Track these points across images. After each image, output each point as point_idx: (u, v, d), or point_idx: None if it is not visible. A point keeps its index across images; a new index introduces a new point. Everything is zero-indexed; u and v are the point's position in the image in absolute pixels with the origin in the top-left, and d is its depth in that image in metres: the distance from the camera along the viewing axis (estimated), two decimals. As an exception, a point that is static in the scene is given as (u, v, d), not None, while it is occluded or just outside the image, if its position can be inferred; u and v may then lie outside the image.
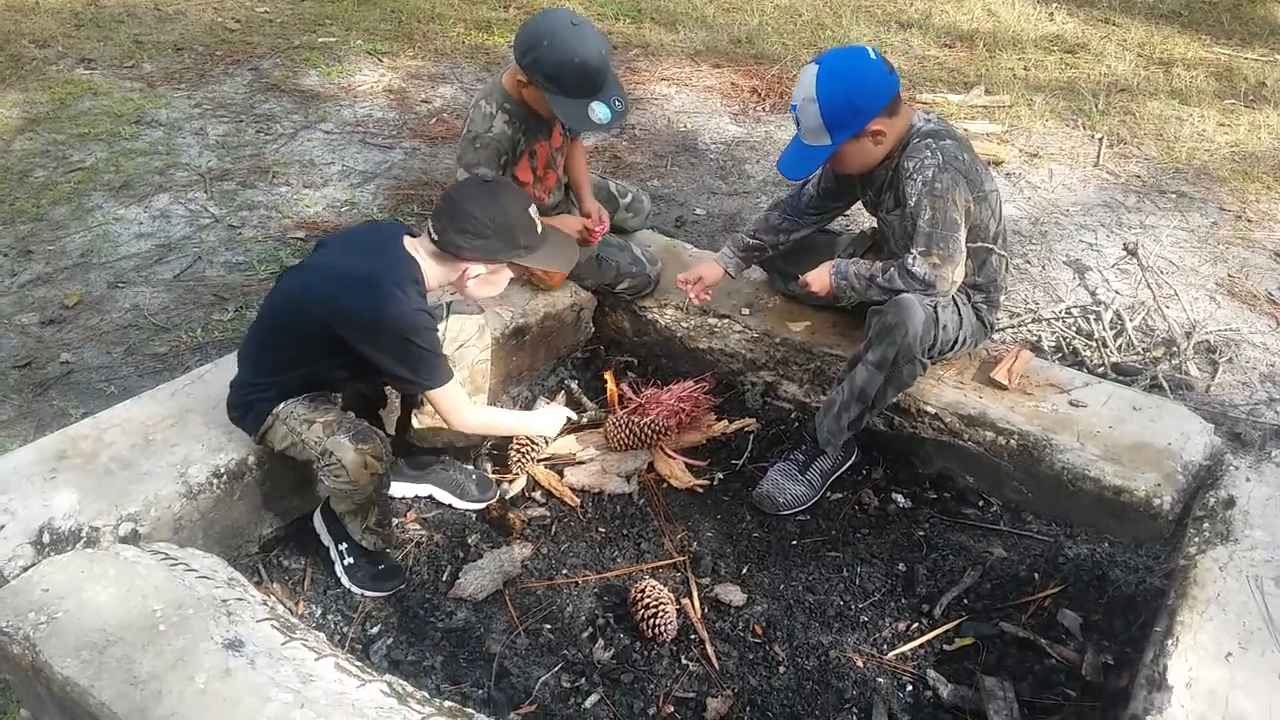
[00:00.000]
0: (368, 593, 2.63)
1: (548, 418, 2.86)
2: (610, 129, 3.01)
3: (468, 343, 2.83)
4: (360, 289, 2.34)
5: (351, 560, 2.64)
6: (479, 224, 2.39)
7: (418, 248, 2.46)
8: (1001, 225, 2.90)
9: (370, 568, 2.64)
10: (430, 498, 2.91)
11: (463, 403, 2.56)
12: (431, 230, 2.43)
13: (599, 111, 2.91)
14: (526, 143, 3.13)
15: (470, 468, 2.99)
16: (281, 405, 2.47)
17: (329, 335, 2.36)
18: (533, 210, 2.49)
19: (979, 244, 2.83)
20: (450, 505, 2.89)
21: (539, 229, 2.50)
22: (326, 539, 2.66)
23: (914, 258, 2.67)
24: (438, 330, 2.55)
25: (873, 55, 2.66)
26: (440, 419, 2.62)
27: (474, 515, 2.90)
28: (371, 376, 2.59)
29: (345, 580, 2.64)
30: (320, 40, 6.64)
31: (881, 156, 2.76)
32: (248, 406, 2.51)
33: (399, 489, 2.89)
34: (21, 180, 4.68)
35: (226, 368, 2.81)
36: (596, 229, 3.29)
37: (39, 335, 3.64)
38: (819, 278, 2.89)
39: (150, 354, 3.55)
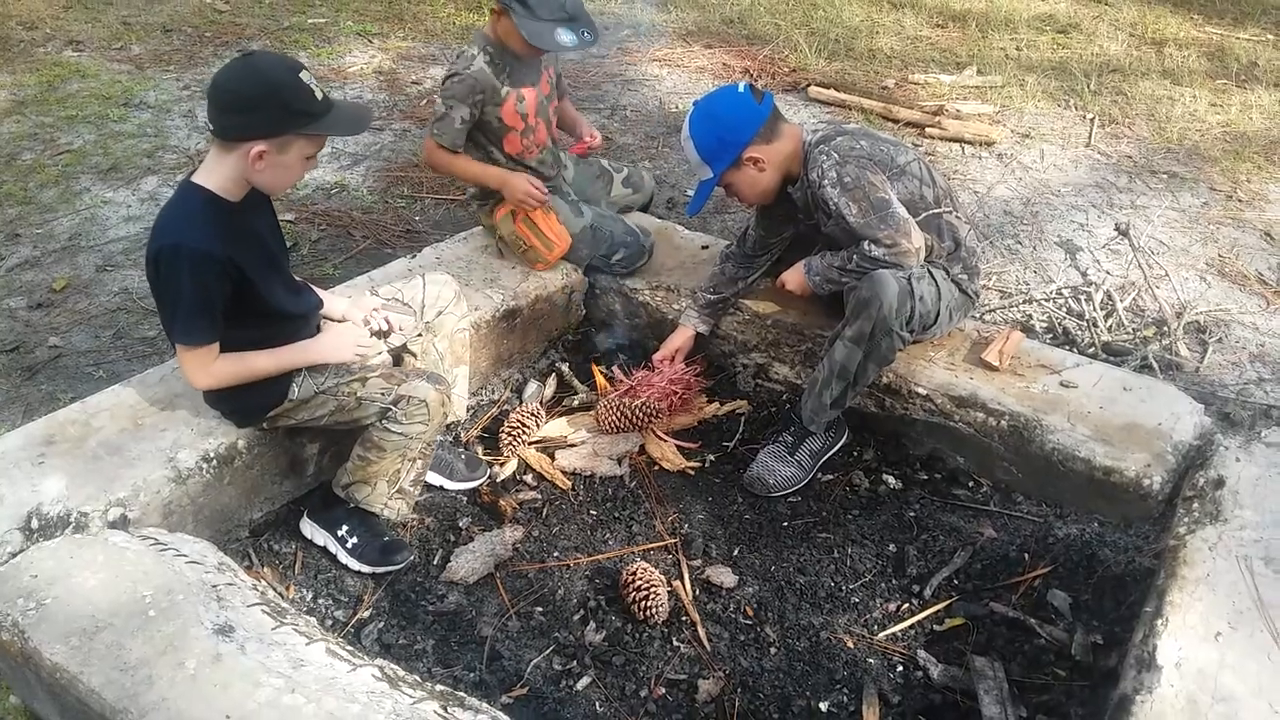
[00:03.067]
0: (378, 569, 2.62)
1: (333, 344, 2.55)
2: (574, 51, 3.15)
3: (446, 309, 2.82)
4: (153, 230, 2.28)
5: (356, 540, 2.62)
6: (244, 97, 2.18)
7: (205, 166, 2.28)
8: (940, 188, 2.94)
9: (376, 542, 2.63)
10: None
11: (196, 370, 2.35)
12: (209, 125, 2.23)
13: (564, 35, 3.00)
14: (512, 84, 3.17)
15: (459, 448, 2.99)
16: (300, 386, 2.47)
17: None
18: (305, 77, 2.22)
19: (925, 214, 2.87)
20: (441, 487, 2.88)
21: (318, 95, 2.23)
22: (321, 534, 2.65)
23: (867, 245, 2.73)
24: (215, 279, 2.25)
25: (741, 89, 2.86)
26: None
27: (465, 499, 2.89)
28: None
29: (353, 563, 2.62)
30: (310, 21, 6.60)
31: (775, 181, 2.91)
32: (241, 401, 2.49)
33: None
34: (9, 163, 4.65)
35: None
36: (588, 139, 3.42)
37: (27, 319, 3.63)
38: (794, 278, 3.00)
39: (139, 338, 3.54)
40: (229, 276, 2.25)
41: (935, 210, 2.88)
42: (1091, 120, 5.32)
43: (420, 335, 2.82)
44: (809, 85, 5.71)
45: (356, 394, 2.47)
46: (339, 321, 2.64)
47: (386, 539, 2.65)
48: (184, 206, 2.27)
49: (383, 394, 2.47)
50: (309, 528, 2.67)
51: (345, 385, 2.48)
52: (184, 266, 2.20)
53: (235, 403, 2.51)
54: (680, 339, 3.28)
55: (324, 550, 2.66)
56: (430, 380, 2.49)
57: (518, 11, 2.97)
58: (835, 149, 2.79)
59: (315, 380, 2.49)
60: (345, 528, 2.62)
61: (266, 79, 2.20)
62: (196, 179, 2.27)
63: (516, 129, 3.23)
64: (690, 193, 4.55)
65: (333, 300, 2.69)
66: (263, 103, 2.18)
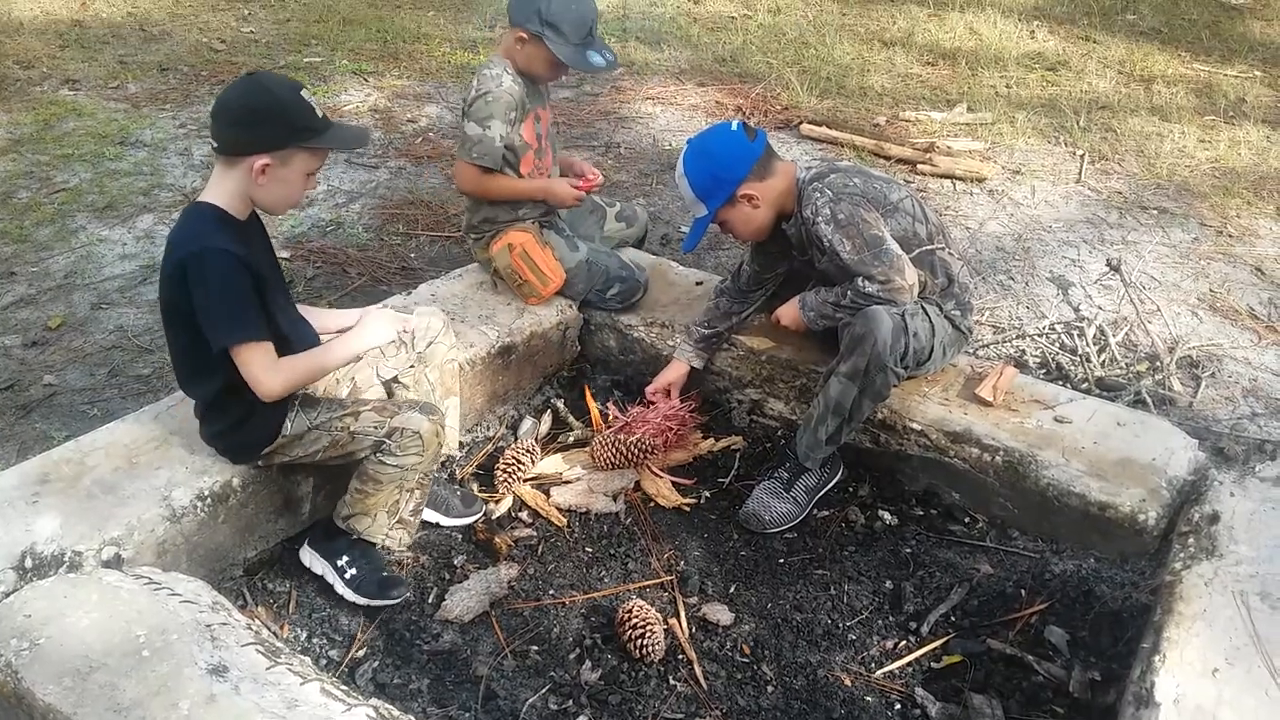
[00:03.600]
0: (374, 602, 2.60)
1: (373, 327, 2.62)
2: (605, 72, 3.42)
3: (436, 339, 2.84)
4: (170, 245, 2.32)
5: (355, 571, 2.61)
6: (246, 112, 2.27)
7: (210, 186, 2.35)
8: (933, 225, 2.96)
9: (375, 575, 2.62)
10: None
11: (263, 368, 2.33)
12: (212, 141, 2.31)
13: (595, 57, 3.12)
14: (530, 105, 3.26)
15: (454, 485, 2.98)
16: (292, 420, 2.47)
17: (180, 304, 2.30)
18: (306, 95, 2.32)
19: (919, 250, 2.89)
20: (436, 524, 2.87)
21: (318, 112, 2.32)
22: (320, 564, 2.64)
23: (861, 282, 2.77)
24: (245, 276, 2.29)
25: (734, 128, 2.91)
26: None
27: (459, 536, 2.88)
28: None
29: (351, 595, 2.60)
30: (306, 60, 6.65)
31: (769, 217, 2.94)
32: (230, 439, 2.51)
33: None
34: (4, 201, 4.67)
35: (211, 390, 2.80)
36: (589, 176, 3.43)
37: (22, 357, 3.62)
38: (789, 314, 3.04)
39: (134, 375, 3.54)
40: (252, 276, 2.31)
41: (929, 247, 2.91)
42: (1081, 156, 5.37)
43: (413, 366, 2.83)
44: (801, 123, 5.76)
45: (350, 428, 2.48)
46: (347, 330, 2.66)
47: (385, 574, 2.64)
48: (196, 221, 2.32)
49: (375, 427, 2.47)
50: (308, 556, 2.66)
51: (338, 420, 2.48)
52: (213, 267, 2.25)
53: (231, 439, 2.52)
54: (674, 373, 3.28)
55: (320, 581, 2.64)
56: (423, 411, 2.50)
57: (551, 38, 3.06)
58: (829, 186, 2.82)
59: (308, 415, 2.49)
60: (345, 558, 2.61)
61: (271, 94, 2.28)
62: (204, 198, 2.32)
63: (533, 148, 3.29)
64: (685, 229, 4.58)
65: (340, 315, 2.74)
66: (267, 117, 2.26)
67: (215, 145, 2.31)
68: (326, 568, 2.63)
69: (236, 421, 2.46)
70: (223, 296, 2.26)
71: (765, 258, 3.17)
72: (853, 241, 2.76)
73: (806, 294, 2.96)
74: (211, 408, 2.50)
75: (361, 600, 2.60)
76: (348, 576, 2.61)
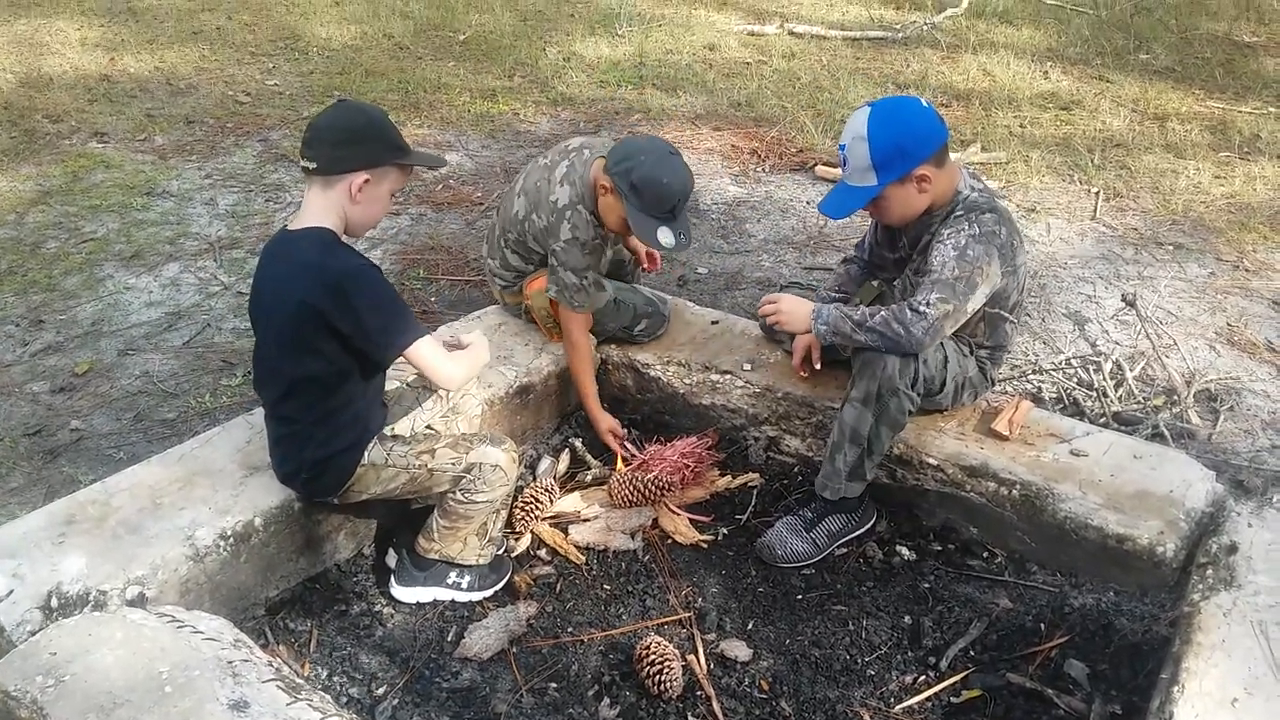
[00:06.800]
0: (498, 587, 2.82)
1: (479, 344, 2.77)
2: (670, 252, 3.30)
3: (469, 391, 2.96)
4: (310, 270, 2.39)
5: (469, 578, 2.78)
6: (348, 132, 2.42)
7: (309, 212, 2.46)
8: (1022, 296, 2.94)
9: (483, 568, 2.79)
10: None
11: (444, 358, 2.55)
12: (310, 163, 2.42)
13: (665, 235, 3.02)
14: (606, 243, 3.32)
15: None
16: (371, 450, 2.55)
17: (321, 327, 2.39)
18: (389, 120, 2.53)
19: (997, 310, 2.86)
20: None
21: (400, 135, 2.52)
22: (430, 591, 2.77)
23: (926, 298, 2.66)
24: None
25: (924, 104, 2.75)
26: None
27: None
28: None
29: (478, 595, 2.79)
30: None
31: (923, 208, 2.79)
32: (321, 467, 2.55)
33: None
34: (34, 251, 4.76)
35: (234, 431, 2.85)
36: (652, 260, 3.56)
37: (49, 403, 3.69)
38: (798, 315, 2.91)
39: (159, 420, 3.59)
40: None
41: (1004, 314, 2.89)
42: (1096, 194, 5.38)
43: (444, 416, 2.89)
44: (815, 165, 5.81)
45: (427, 465, 2.57)
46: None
47: (488, 561, 2.81)
48: (330, 243, 2.44)
49: (453, 463, 2.58)
50: (411, 594, 2.76)
51: (414, 457, 2.57)
52: (373, 279, 2.41)
53: (321, 467, 2.56)
54: (809, 338, 3.12)
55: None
56: (493, 443, 2.63)
57: (632, 202, 2.99)
58: (979, 223, 2.72)
59: (384, 447, 2.58)
60: (453, 575, 2.76)
61: (367, 115, 2.49)
62: (310, 224, 2.43)
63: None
64: (702, 270, 4.62)
65: None
66: (366, 135, 2.43)
67: (313, 167, 2.41)
68: (439, 591, 2.76)
69: (324, 445, 2.52)
70: (391, 304, 2.44)
71: (887, 236, 3.07)
72: (960, 273, 2.66)
73: (824, 305, 2.87)
74: (301, 439, 2.54)
75: (489, 592, 2.81)
76: (464, 585, 2.77)
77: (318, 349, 2.42)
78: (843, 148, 2.76)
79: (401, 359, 2.49)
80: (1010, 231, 2.80)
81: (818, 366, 3.17)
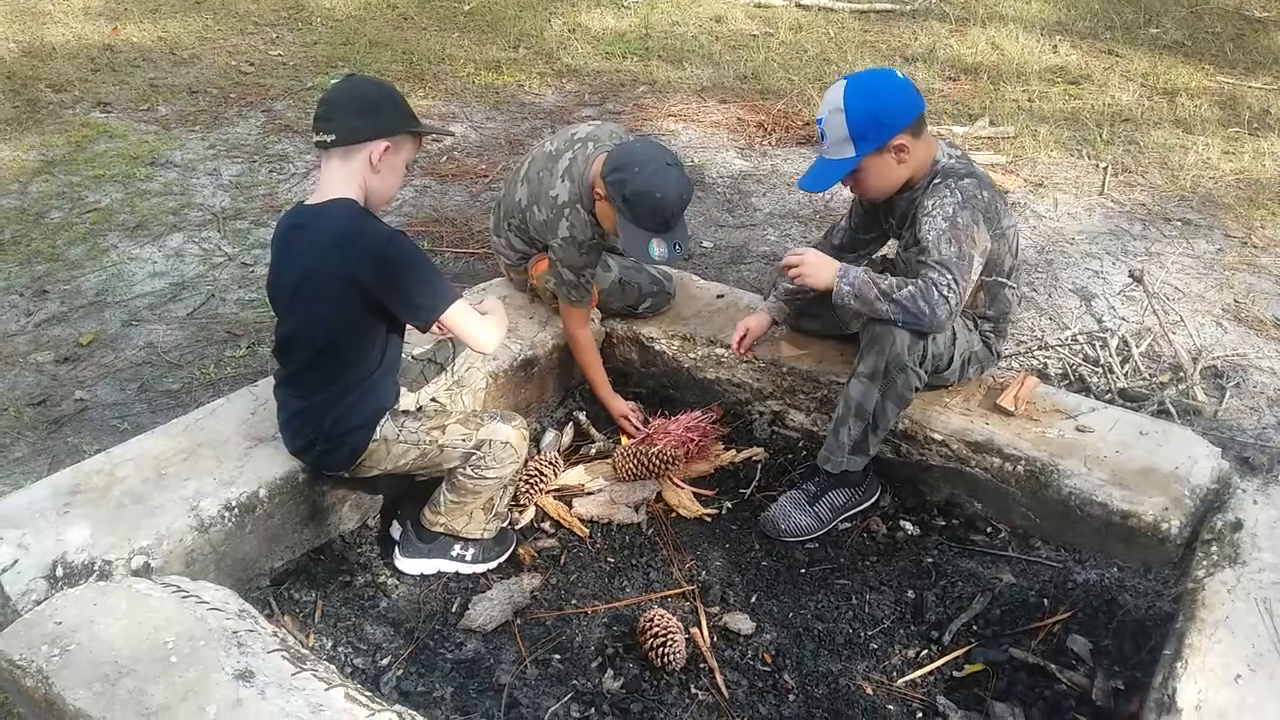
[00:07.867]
0: (501, 560, 2.83)
1: (500, 311, 2.75)
2: (661, 265, 3.29)
3: (474, 364, 2.95)
4: (348, 240, 2.39)
5: (473, 550, 2.79)
6: (364, 102, 2.44)
7: (330, 184, 2.45)
8: (1017, 260, 2.92)
9: (487, 540, 2.80)
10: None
11: (480, 322, 2.54)
12: (327, 135, 2.41)
13: (657, 249, 2.96)
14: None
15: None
16: (383, 426, 2.56)
17: (358, 298, 2.39)
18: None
19: (993, 278, 2.85)
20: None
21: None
22: (434, 564, 2.78)
23: (948, 281, 2.62)
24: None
25: (900, 76, 2.74)
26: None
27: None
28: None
29: (482, 568, 2.81)
30: (332, 82, 6.73)
31: (902, 179, 2.77)
32: (337, 441, 2.54)
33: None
34: (38, 221, 4.76)
35: (238, 402, 2.85)
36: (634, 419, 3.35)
37: (54, 373, 3.69)
38: (823, 272, 2.75)
39: (163, 390, 3.59)
40: None
41: (1002, 280, 2.88)
42: (1104, 169, 5.36)
43: (449, 389, 2.89)
44: (823, 138, 5.78)
45: (438, 441, 2.58)
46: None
47: (493, 534, 2.82)
48: (360, 212, 2.43)
49: (464, 439, 2.59)
50: (415, 565, 2.78)
51: (426, 433, 2.58)
52: (409, 247, 2.41)
53: (330, 444, 2.56)
54: (754, 321, 3.17)
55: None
56: (504, 420, 2.65)
57: (624, 214, 2.94)
58: (961, 189, 2.70)
59: (397, 423, 2.59)
60: (457, 548, 2.77)
61: (378, 86, 2.52)
62: (335, 195, 2.42)
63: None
64: (707, 244, 4.61)
65: None
66: (382, 104, 2.45)
67: (331, 139, 2.40)
68: (443, 563, 2.78)
69: (340, 420, 2.52)
70: (428, 270, 2.44)
71: (866, 219, 3.07)
72: (953, 248, 2.63)
73: (852, 266, 2.77)
74: (318, 412, 2.53)
75: (493, 564, 2.82)
76: (469, 557, 2.78)
77: (351, 320, 2.43)
78: (820, 121, 2.74)
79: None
80: (992, 195, 2.78)
81: (751, 357, 3.25)
